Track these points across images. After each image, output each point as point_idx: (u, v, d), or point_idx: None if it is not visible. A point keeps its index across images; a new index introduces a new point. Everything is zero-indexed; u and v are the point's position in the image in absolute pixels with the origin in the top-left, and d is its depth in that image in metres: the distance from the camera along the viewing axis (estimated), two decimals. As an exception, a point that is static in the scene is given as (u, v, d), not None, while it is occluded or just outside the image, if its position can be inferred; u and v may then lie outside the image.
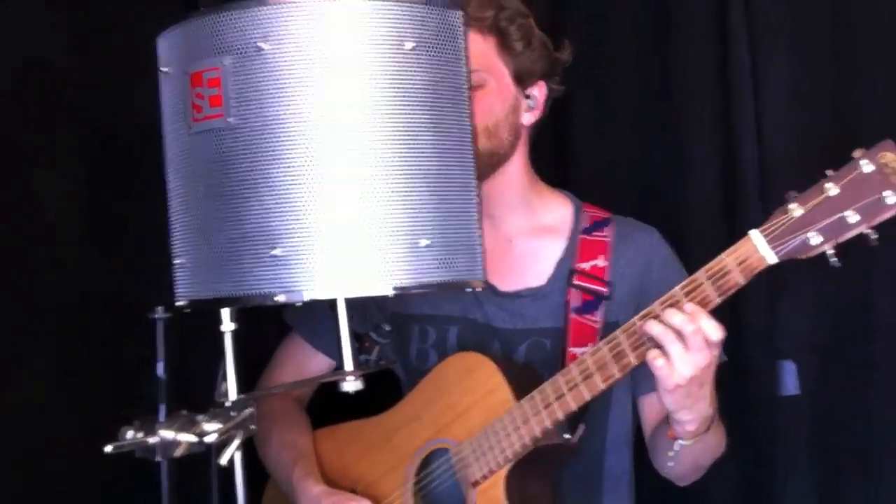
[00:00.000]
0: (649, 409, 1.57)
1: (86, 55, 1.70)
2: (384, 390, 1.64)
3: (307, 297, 1.05)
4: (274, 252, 1.05)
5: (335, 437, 1.65)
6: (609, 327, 1.52)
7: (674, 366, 1.25)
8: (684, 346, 1.25)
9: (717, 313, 1.42)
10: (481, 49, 1.49)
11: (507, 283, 1.59)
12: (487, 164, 1.51)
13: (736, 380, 1.62)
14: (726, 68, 1.65)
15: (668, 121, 1.77)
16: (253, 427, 1.07)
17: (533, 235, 1.61)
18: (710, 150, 1.70)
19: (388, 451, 1.55)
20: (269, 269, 1.05)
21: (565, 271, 1.56)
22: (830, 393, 1.60)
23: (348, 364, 1.17)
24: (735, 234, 1.60)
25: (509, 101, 1.53)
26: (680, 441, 1.37)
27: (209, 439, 1.01)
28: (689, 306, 1.27)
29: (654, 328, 1.27)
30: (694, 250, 1.67)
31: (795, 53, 1.61)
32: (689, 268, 1.54)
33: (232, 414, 1.05)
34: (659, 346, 1.27)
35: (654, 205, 1.67)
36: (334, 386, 1.16)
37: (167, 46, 1.17)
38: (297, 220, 1.05)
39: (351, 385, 1.17)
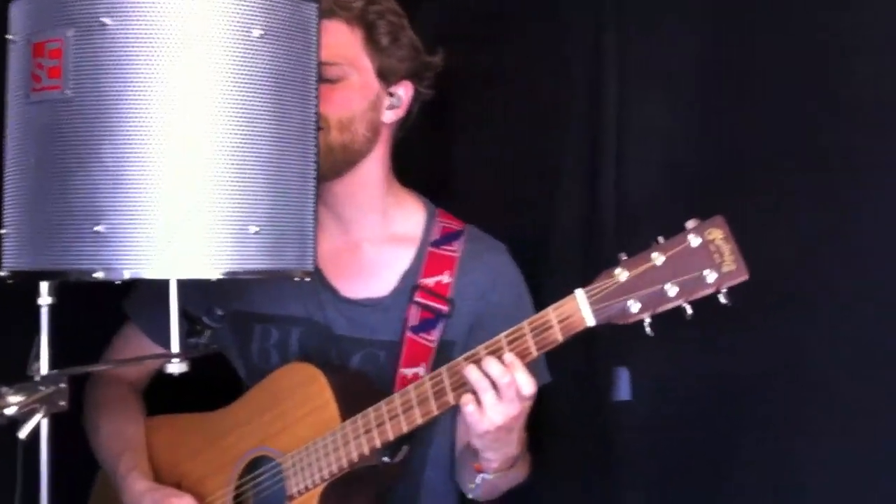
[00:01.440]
0: (463, 428, 1.55)
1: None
2: (228, 383, 1.63)
3: (127, 275, 1.05)
4: (97, 228, 1.05)
5: (170, 428, 1.62)
6: (444, 346, 1.53)
7: (485, 413, 1.28)
8: (497, 396, 1.27)
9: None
10: (347, 40, 1.47)
11: (352, 289, 1.57)
12: (341, 160, 1.49)
13: (578, 392, 1.66)
14: (598, 103, 1.68)
15: (541, 147, 1.78)
16: (62, 403, 1.06)
17: (383, 243, 1.59)
18: (575, 181, 1.72)
19: (217, 451, 1.54)
20: (91, 245, 1.05)
21: (409, 285, 1.55)
22: (670, 408, 1.63)
23: (175, 346, 1.17)
24: (590, 267, 1.65)
25: (369, 98, 1.50)
26: (483, 475, 1.41)
27: (9, 412, 1.00)
28: (509, 357, 1.28)
29: (471, 374, 1.28)
30: (553, 277, 1.68)
31: (661, 96, 1.65)
32: (545, 294, 1.57)
33: (40, 388, 1.04)
34: (474, 392, 1.29)
35: (521, 228, 1.68)
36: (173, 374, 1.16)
37: (17, 14, 1.16)
38: (123, 198, 1.05)
39: (176, 367, 1.17)
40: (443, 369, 1.34)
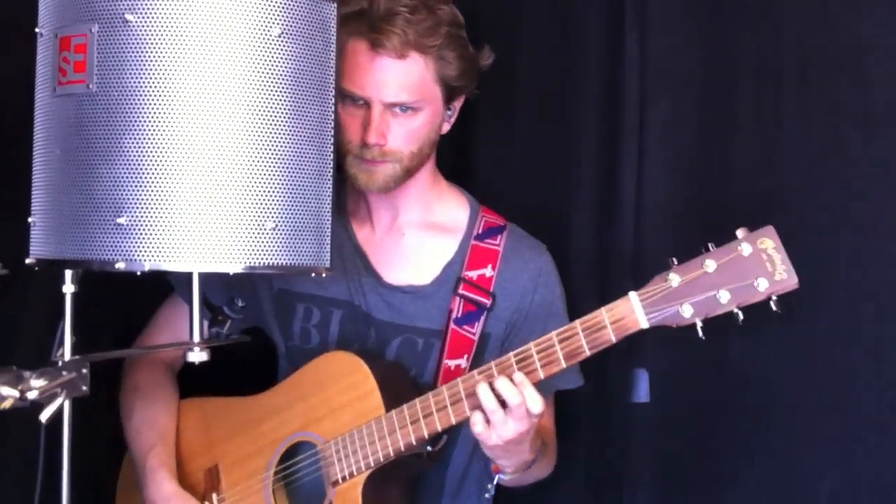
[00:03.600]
0: None
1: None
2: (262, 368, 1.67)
3: (148, 267, 1.08)
4: (119, 220, 1.08)
5: (203, 410, 1.65)
6: (485, 338, 1.55)
7: (494, 430, 1.33)
8: (507, 413, 1.32)
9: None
10: (421, 73, 1.48)
11: (393, 275, 1.60)
12: (406, 177, 1.53)
13: (594, 392, 1.68)
14: (618, 104, 1.68)
15: (560, 147, 1.78)
16: (85, 388, 1.10)
17: (425, 231, 1.61)
18: (591, 185, 1.73)
19: (256, 435, 1.56)
20: (113, 236, 1.08)
21: (451, 275, 1.57)
22: (682, 411, 1.64)
23: (196, 335, 1.21)
24: (605, 263, 1.64)
25: (437, 122, 1.54)
26: (501, 476, 1.48)
27: (31, 395, 1.04)
28: (518, 376, 1.32)
29: (482, 395, 1.33)
30: (570, 274, 1.67)
31: (675, 101, 1.64)
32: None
33: (62, 373, 1.08)
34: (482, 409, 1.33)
35: (538, 225, 1.70)
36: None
37: (45, 7, 1.19)
38: (144, 191, 1.08)
39: (196, 356, 1.20)
40: (474, 372, 1.37)
